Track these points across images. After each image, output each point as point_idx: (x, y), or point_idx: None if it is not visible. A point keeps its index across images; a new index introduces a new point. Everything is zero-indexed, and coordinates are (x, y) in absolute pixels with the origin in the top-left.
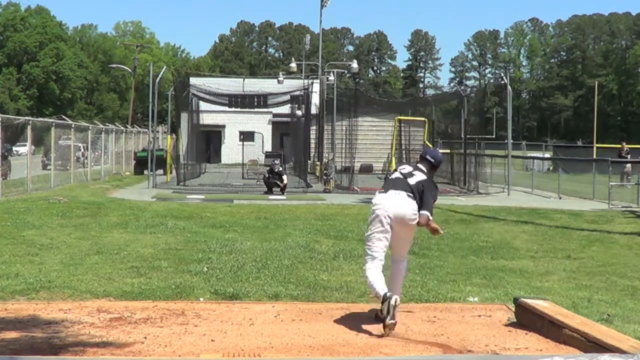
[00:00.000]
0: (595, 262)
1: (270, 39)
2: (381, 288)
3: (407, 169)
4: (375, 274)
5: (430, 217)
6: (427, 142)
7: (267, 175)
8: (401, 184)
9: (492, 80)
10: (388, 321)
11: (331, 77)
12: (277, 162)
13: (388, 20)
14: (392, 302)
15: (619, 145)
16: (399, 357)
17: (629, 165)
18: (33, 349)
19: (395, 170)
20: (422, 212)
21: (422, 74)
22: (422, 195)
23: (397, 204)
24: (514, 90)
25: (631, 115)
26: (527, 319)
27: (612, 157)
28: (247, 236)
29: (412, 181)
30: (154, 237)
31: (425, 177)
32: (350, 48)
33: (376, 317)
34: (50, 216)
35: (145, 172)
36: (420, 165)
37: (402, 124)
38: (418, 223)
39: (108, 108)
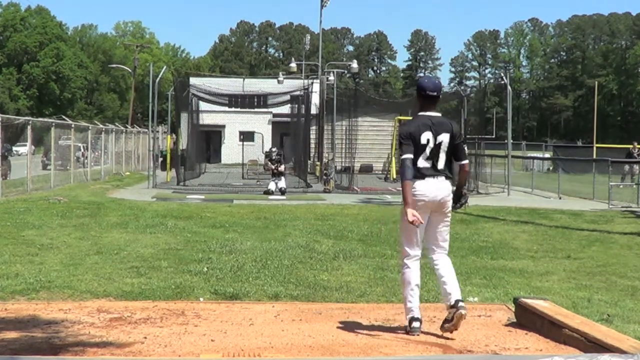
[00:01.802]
0: (595, 262)
1: (270, 39)
2: None
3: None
4: None
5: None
6: None
7: (266, 167)
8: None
9: (492, 80)
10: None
11: (331, 77)
12: (274, 149)
13: (388, 20)
14: None
15: (630, 145)
16: (399, 357)
17: (636, 166)
18: (33, 349)
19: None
20: None
21: (422, 74)
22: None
23: None
24: (514, 90)
25: (631, 115)
26: (527, 319)
27: (612, 157)
28: (247, 236)
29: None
30: (154, 237)
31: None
32: (350, 48)
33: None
34: (50, 216)
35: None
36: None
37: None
38: None
39: (108, 108)
